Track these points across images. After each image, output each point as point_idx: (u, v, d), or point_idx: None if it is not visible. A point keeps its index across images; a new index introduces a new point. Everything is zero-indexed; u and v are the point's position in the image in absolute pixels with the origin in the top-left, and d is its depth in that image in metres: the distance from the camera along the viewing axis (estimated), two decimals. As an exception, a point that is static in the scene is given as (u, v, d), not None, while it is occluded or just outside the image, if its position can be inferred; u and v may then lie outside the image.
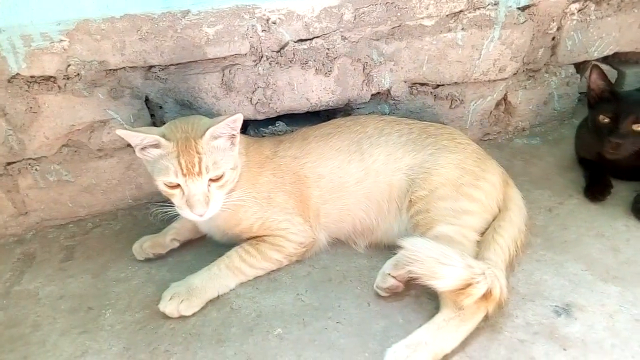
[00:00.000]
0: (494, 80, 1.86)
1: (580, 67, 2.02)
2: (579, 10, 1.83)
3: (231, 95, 1.60)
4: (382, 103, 1.77)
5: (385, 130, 1.56)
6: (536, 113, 2.00)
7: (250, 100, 1.63)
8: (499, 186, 1.52)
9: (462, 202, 1.42)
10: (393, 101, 1.76)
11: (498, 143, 2.01)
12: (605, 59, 2.09)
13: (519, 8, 1.74)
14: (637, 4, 1.89)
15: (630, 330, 1.24)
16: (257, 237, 1.46)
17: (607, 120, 1.57)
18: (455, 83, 1.81)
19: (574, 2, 1.80)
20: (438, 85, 1.80)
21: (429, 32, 1.67)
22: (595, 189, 1.68)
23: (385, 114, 1.77)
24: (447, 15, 1.66)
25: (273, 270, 1.48)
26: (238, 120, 1.30)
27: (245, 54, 1.55)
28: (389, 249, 1.44)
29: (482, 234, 1.43)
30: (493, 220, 1.47)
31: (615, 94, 1.59)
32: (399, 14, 1.60)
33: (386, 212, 1.48)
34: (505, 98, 1.93)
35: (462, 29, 1.70)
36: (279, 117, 1.72)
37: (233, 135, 1.36)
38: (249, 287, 1.44)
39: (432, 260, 1.21)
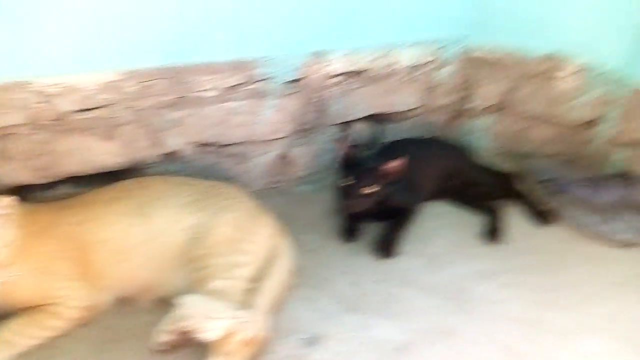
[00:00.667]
0: (274, 139, 2.18)
1: (345, 126, 2.47)
2: (338, 83, 2.24)
3: (10, 163, 1.62)
4: (172, 162, 1.95)
5: (169, 193, 1.73)
6: (312, 164, 2.38)
7: (30, 167, 1.67)
8: (271, 237, 1.82)
9: (236, 257, 1.67)
10: (182, 161, 1.95)
11: (281, 190, 2.34)
12: (368, 118, 2.58)
13: (289, 82, 2.08)
14: (384, 78, 2.38)
15: (365, 351, 1.62)
16: (36, 306, 1.51)
17: (348, 183, 1.96)
18: (240, 143, 2.08)
19: (334, 77, 2.21)
20: (224, 145, 2.04)
21: (211, 101, 1.90)
22: (348, 232, 2.09)
23: (175, 172, 1.96)
24: (227, 88, 1.92)
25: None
26: (8, 206, 1.35)
27: (22, 124, 1.59)
28: (174, 305, 1.63)
29: (254, 281, 1.71)
30: (265, 267, 1.76)
31: (356, 162, 1.99)
32: (182, 87, 1.80)
33: (169, 271, 1.66)
34: (285, 153, 2.27)
35: (242, 99, 1.97)
36: (68, 179, 1.79)
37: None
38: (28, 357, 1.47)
39: (201, 315, 1.43)
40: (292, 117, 2.15)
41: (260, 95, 2.00)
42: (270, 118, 2.07)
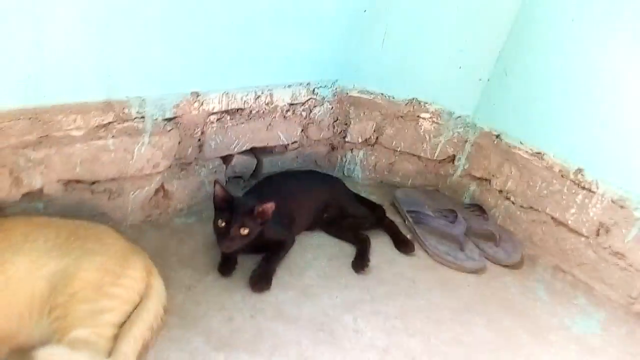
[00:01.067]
0: (150, 174, 2.17)
1: (225, 159, 2.53)
2: (218, 120, 2.30)
3: None
4: (36, 201, 1.87)
5: (30, 237, 1.66)
6: (191, 196, 2.40)
7: None
8: (141, 279, 1.81)
9: (101, 303, 1.64)
10: (47, 199, 1.88)
11: (159, 223, 2.33)
12: (249, 151, 2.66)
13: (165, 119, 2.09)
14: (263, 115, 2.48)
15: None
16: None
17: (223, 224, 2.02)
18: (113, 179, 2.05)
19: (212, 114, 2.26)
20: (95, 182, 2.00)
21: (79, 140, 1.85)
22: (224, 266, 2.15)
23: (41, 211, 1.88)
24: (96, 127, 1.88)
25: None
26: None
27: None
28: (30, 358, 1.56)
29: (122, 324, 1.70)
30: (134, 310, 1.75)
31: (231, 203, 2.05)
32: (44, 127, 1.74)
33: (28, 320, 1.59)
34: (163, 186, 2.27)
35: (113, 136, 1.94)
36: None
37: None
38: None
39: (59, 368, 1.40)
40: (169, 152, 2.16)
41: (133, 133, 1.99)
42: (145, 154, 2.06)
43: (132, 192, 2.13)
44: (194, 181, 2.35)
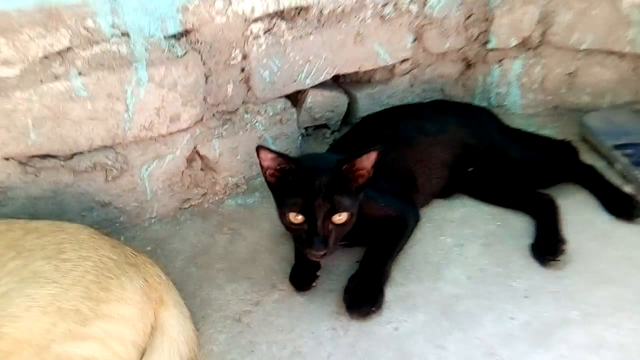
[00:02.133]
0: (170, 134, 1.36)
1: (296, 98, 1.61)
2: (267, 32, 1.39)
3: None
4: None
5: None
6: (249, 163, 1.54)
7: None
8: (140, 314, 1.01)
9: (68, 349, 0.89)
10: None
11: (204, 209, 1.51)
12: (332, 82, 1.72)
13: (169, 36, 1.24)
14: (345, 17, 1.51)
15: None
16: None
17: (300, 219, 1.13)
18: (104, 147, 1.27)
19: (253, 21, 1.35)
20: (73, 155, 1.24)
21: (17, 85, 1.09)
22: (301, 274, 1.25)
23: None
24: (44, 58, 1.10)
25: None
26: None
27: None
28: None
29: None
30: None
31: (297, 174, 1.15)
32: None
33: None
34: (197, 152, 1.44)
35: (80, 73, 1.15)
36: None
37: None
38: None
39: None
40: (192, 94, 1.32)
41: (117, 64, 1.18)
42: (148, 101, 1.25)
43: (146, 166, 1.34)
44: (248, 138, 1.49)
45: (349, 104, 1.73)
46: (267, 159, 1.14)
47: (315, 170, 1.16)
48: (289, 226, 1.17)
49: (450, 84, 1.89)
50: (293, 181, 1.15)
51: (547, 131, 1.74)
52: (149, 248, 1.37)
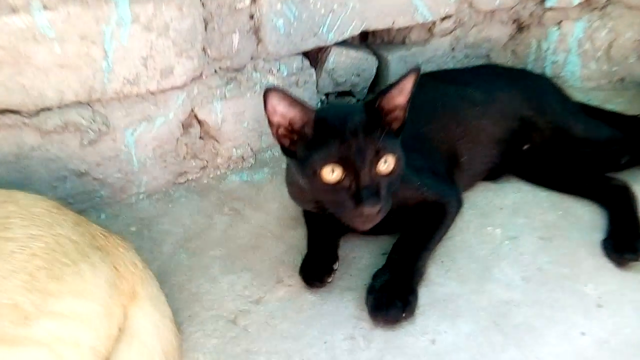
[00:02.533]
0: (161, 92, 1.12)
1: (316, 57, 1.36)
2: (282, -31, 1.14)
3: None
4: None
5: None
6: (258, 132, 1.30)
7: None
8: (100, 316, 0.78)
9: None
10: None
11: (203, 185, 1.28)
12: (359, 40, 1.46)
13: (158, -36, 1.00)
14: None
15: None
16: None
17: (338, 174, 0.88)
18: (78, 103, 1.04)
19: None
20: (39, 110, 1.01)
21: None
22: (313, 266, 1.00)
23: None
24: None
25: None
26: None
27: None
28: None
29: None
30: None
31: (328, 123, 0.90)
32: None
33: None
34: (195, 115, 1.20)
35: (46, 7, 0.91)
36: None
37: None
38: None
39: None
40: (189, 42, 1.08)
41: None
42: (132, 47, 1.01)
43: (131, 129, 1.11)
44: (257, 102, 1.25)
45: (379, 69, 1.46)
46: (280, 109, 0.89)
47: (345, 114, 0.91)
48: (322, 189, 0.90)
49: (497, 49, 1.61)
50: (317, 135, 0.89)
51: (611, 107, 1.45)
52: (133, 229, 1.14)
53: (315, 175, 0.89)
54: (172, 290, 0.98)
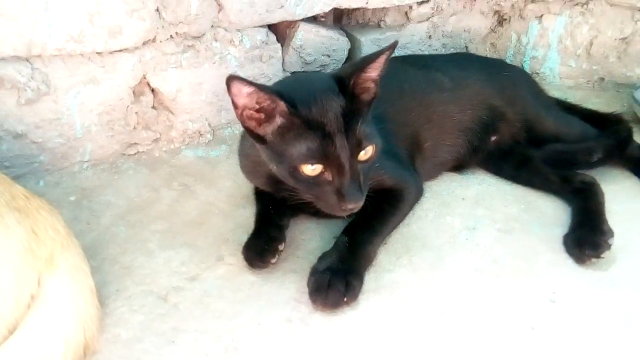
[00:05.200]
0: (110, 53, 1.05)
1: (284, 33, 1.30)
2: None
3: None
4: None
5: None
6: (216, 107, 1.24)
7: None
8: (9, 282, 0.71)
9: None
10: None
11: (154, 158, 1.21)
12: (332, 19, 1.41)
13: None
14: None
15: None
16: None
17: (318, 168, 0.83)
18: (16, 57, 0.97)
19: None
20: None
21: None
22: (258, 245, 0.94)
23: None
24: None
25: None
26: None
27: None
28: None
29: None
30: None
31: (300, 108, 0.84)
32: None
33: None
34: (147, 83, 1.14)
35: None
36: None
37: None
38: None
39: None
40: (138, 1, 1.01)
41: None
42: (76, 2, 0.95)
43: (75, 91, 1.04)
44: (216, 74, 1.18)
45: (350, 51, 1.41)
46: (242, 94, 0.82)
47: (320, 98, 0.84)
48: (298, 181, 0.85)
49: (476, 41, 1.56)
50: (292, 125, 0.83)
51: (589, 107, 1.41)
52: (72, 198, 1.08)
53: (294, 169, 0.84)
54: (103, 263, 0.92)
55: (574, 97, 1.50)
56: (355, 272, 0.89)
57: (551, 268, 0.96)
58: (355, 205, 0.84)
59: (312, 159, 0.82)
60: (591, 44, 1.55)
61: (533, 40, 1.58)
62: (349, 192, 0.83)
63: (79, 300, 0.77)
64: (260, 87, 0.82)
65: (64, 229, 0.82)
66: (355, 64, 0.88)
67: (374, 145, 0.86)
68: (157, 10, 1.06)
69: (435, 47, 1.52)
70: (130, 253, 0.95)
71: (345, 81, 0.85)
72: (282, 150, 0.85)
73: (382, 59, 0.85)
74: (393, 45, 0.87)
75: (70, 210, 1.04)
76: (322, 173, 0.83)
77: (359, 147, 0.84)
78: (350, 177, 0.83)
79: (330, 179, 0.84)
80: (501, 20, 1.58)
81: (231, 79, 0.81)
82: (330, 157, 0.82)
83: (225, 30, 1.17)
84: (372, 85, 0.87)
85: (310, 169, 0.83)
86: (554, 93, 1.46)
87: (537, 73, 1.60)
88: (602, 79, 1.59)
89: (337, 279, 0.86)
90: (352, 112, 0.84)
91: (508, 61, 1.61)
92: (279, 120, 0.84)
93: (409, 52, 1.49)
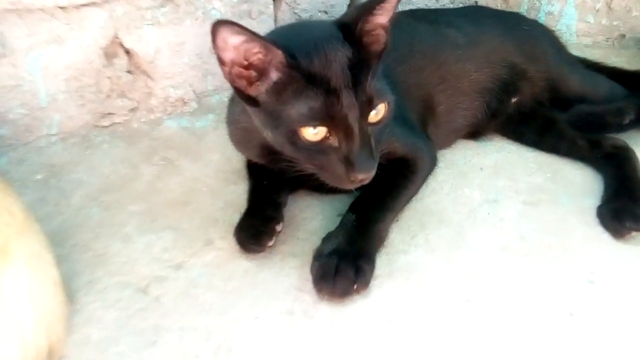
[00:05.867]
0: (75, 7, 0.91)
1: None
2: None
3: None
4: None
5: None
6: (202, 71, 1.10)
7: None
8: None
9: None
10: None
11: (132, 130, 1.07)
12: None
13: None
14: None
15: None
16: None
17: (322, 132, 0.70)
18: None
19: None
20: None
21: None
22: (252, 226, 0.81)
23: None
24: None
25: None
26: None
27: None
28: None
29: None
30: None
31: (303, 58, 0.70)
32: None
33: None
34: (120, 43, 1.00)
35: None
36: None
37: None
38: None
39: None
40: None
41: None
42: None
43: (35, 52, 0.90)
44: (200, 32, 1.04)
45: (350, 6, 1.27)
46: (229, 46, 0.68)
47: (322, 48, 0.71)
48: (298, 148, 0.71)
49: (489, -5, 1.43)
50: (290, 80, 0.70)
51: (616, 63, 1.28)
52: (38, 177, 0.94)
53: (293, 134, 0.70)
54: (73, 250, 0.80)
55: (593, 56, 1.37)
56: (365, 255, 0.77)
57: (586, 244, 0.85)
58: (366, 175, 0.71)
59: (314, 120, 0.69)
60: (612, -3, 1.42)
61: (549, -6, 1.45)
62: (358, 159, 0.69)
63: (40, 295, 0.65)
64: (252, 35, 0.67)
65: (21, 212, 0.69)
66: (362, 7, 0.74)
67: (387, 103, 0.73)
68: (127, -45, 0.91)
69: (443, 2, 1.37)
70: (105, 238, 0.82)
71: (351, 28, 0.72)
72: (278, 112, 0.71)
73: (375, 14, 0.71)
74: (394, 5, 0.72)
75: (36, 190, 0.91)
76: (326, 138, 0.70)
77: (370, 105, 0.70)
78: (360, 141, 0.69)
79: (337, 144, 0.70)
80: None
81: (219, 25, 0.66)
82: (337, 117, 0.69)
83: (208, -19, 1.03)
84: (382, 32, 0.73)
85: (313, 133, 0.69)
86: (571, 52, 1.34)
87: (552, 30, 1.47)
88: (623, 36, 1.45)
89: (346, 263, 0.74)
90: (361, 65, 0.70)
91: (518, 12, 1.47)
92: (274, 75, 0.70)
93: (414, 7, 1.35)
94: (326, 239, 0.80)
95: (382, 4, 0.71)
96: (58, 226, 0.84)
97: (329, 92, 0.68)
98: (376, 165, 0.72)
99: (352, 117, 0.69)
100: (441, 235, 0.86)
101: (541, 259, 0.82)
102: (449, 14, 1.18)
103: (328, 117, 0.69)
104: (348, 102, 0.68)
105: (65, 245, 0.80)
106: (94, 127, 1.04)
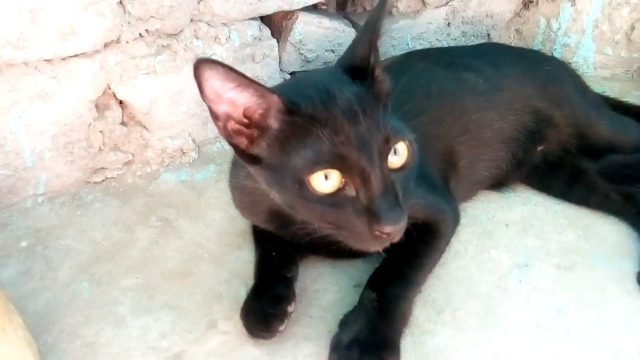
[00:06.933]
0: (62, 60, 0.83)
1: (279, 25, 1.08)
2: None
3: None
4: None
5: None
6: (201, 119, 1.02)
7: None
8: None
9: None
10: None
11: (127, 185, 0.99)
12: (342, 9, 1.18)
13: None
14: None
15: None
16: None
17: (335, 180, 0.59)
18: None
19: None
20: None
21: None
22: (261, 307, 0.72)
23: None
24: None
25: None
26: None
27: None
28: None
29: None
30: None
31: (304, 99, 0.61)
32: None
33: None
34: (112, 94, 0.92)
35: None
36: None
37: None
38: None
39: None
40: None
41: None
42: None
43: (18, 110, 0.81)
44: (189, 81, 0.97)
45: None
46: (225, 93, 0.58)
47: (325, 85, 0.62)
48: (312, 204, 0.61)
49: (500, 27, 1.35)
50: (291, 127, 0.61)
51: (629, 102, 1.21)
52: (24, 244, 0.85)
53: (301, 186, 0.60)
54: (60, 338, 0.71)
55: (612, 91, 1.30)
56: (390, 345, 0.68)
57: (630, 318, 0.77)
58: (394, 227, 0.59)
59: (322, 163, 0.59)
60: (632, 28, 1.34)
61: (565, 25, 1.37)
62: (382, 208, 0.58)
63: None
64: (243, 75, 0.58)
65: (1, 305, 0.61)
66: (365, 41, 0.65)
67: (408, 143, 0.63)
68: (120, 2, 0.83)
69: (455, 35, 1.30)
70: (95, 322, 0.73)
71: (362, 64, 0.64)
72: (283, 165, 0.61)
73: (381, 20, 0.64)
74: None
75: (20, 261, 0.82)
76: (341, 189, 0.60)
77: (388, 144, 0.60)
78: (381, 186, 0.59)
79: (354, 193, 0.60)
80: (527, 3, 1.36)
81: (200, 66, 0.56)
82: (348, 158, 0.59)
83: (209, 24, 0.94)
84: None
85: (324, 183, 0.59)
86: (589, 85, 1.27)
87: (568, 63, 1.40)
88: (646, 68, 1.39)
89: (368, 356, 0.66)
90: (372, 101, 0.62)
91: (536, 48, 1.40)
92: (274, 125, 0.61)
93: (425, 44, 1.28)
94: (344, 323, 0.71)
95: (380, 33, 0.64)
96: (44, 306, 0.75)
97: (336, 130, 0.59)
98: (405, 216, 0.61)
99: (367, 158, 0.59)
100: (470, 310, 0.77)
101: (584, 338, 0.74)
102: (465, 54, 1.10)
103: (338, 158, 0.59)
104: (360, 140, 0.59)
105: (52, 331, 0.71)
106: (85, 183, 0.95)
